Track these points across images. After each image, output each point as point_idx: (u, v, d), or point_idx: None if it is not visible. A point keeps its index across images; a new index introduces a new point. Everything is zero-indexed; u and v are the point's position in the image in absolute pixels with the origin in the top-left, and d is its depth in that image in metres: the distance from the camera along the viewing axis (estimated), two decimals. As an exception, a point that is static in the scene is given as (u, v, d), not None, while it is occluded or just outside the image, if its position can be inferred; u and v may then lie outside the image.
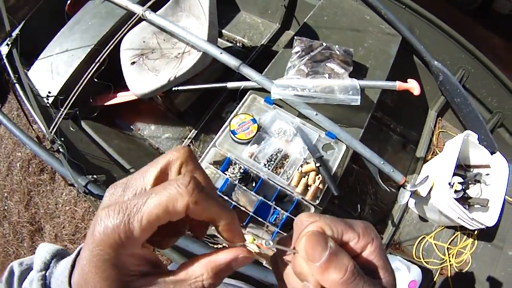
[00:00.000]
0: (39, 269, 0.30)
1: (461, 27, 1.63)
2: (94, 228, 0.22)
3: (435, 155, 1.73)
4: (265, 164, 1.06)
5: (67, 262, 0.28)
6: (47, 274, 0.29)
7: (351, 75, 1.24)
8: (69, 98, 1.25)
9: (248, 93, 1.22)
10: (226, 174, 1.04)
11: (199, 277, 0.24)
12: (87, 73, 1.32)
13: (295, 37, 1.31)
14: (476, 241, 1.54)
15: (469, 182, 1.52)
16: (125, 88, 1.43)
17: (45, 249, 0.31)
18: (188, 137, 1.66)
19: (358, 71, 1.37)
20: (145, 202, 0.22)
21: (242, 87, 1.24)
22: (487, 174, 1.48)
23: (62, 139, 1.11)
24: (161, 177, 0.25)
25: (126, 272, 0.23)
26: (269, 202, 1.02)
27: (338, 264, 0.22)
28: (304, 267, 0.23)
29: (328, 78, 1.19)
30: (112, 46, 1.36)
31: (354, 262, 0.22)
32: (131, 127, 1.70)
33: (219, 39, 1.91)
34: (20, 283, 0.30)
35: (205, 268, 0.25)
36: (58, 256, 0.31)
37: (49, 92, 1.42)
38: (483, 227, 1.32)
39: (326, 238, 0.23)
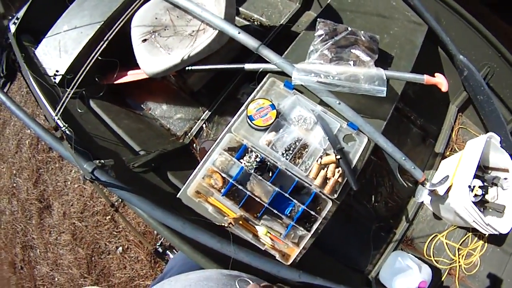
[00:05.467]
0: None
1: (481, 19, 1.53)
2: None
3: (454, 152, 1.67)
4: (283, 154, 1.01)
5: None
6: None
7: (375, 64, 1.17)
8: (77, 78, 1.20)
9: (267, 76, 1.15)
10: (241, 162, 1.00)
11: None
12: (96, 51, 1.27)
13: (318, 19, 1.22)
14: (486, 244, 1.52)
15: (488, 186, 1.47)
16: (136, 66, 1.37)
17: None
18: (201, 118, 1.60)
19: (383, 59, 1.30)
20: None
21: (261, 69, 1.17)
22: (505, 179, 1.43)
23: (67, 124, 1.06)
24: None
25: None
26: (286, 194, 0.97)
27: None
28: None
29: (353, 65, 1.12)
30: (122, 23, 1.30)
31: None
32: (142, 106, 1.65)
33: (236, 17, 1.82)
34: None
35: None
36: None
37: (57, 71, 1.37)
38: (496, 233, 1.29)
39: None
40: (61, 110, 1.10)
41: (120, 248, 1.91)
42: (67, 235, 2.00)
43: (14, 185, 2.20)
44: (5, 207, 2.21)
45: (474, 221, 1.29)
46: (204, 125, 1.59)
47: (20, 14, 1.41)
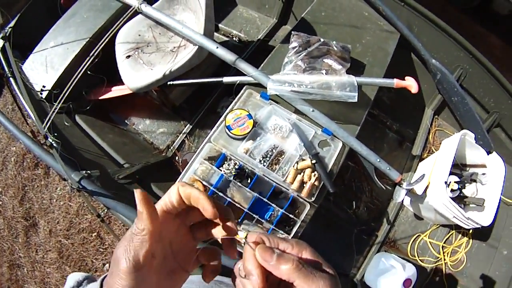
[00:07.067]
0: (72, 285, 0.36)
1: (459, 25, 1.61)
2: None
3: (431, 154, 1.72)
4: (260, 160, 1.05)
5: (98, 281, 0.34)
6: None
7: (348, 72, 1.23)
8: (63, 93, 1.23)
9: (244, 88, 1.20)
10: (221, 170, 1.03)
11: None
12: (81, 67, 1.30)
13: (292, 32, 1.29)
14: (471, 240, 1.55)
15: (465, 182, 1.52)
16: (120, 81, 1.41)
17: (77, 274, 0.39)
18: (183, 132, 1.64)
19: (356, 67, 1.36)
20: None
21: (238, 82, 1.22)
22: (483, 174, 1.48)
23: (55, 134, 1.10)
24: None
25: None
26: (264, 199, 1.01)
27: (285, 259, 0.30)
28: (249, 266, 0.31)
29: (325, 74, 1.18)
30: (107, 40, 1.34)
31: (297, 258, 0.30)
32: (126, 121, 1.68)
33: (215, 34, 1.89)
34: None
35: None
36: (89, 279, 0.38)
37: (44, 86, 1.40)
38: (478, 226, 1.32)
39: (272, 248, 0.32)
40: (48, 123, 1.12)
41: (107, 265, 1.88)
42: (53, 253, 1.97)
43: (0, 203, 2.17)
44: (-10, 227, 2.16)
45: (454, 216, 1.31)
46: (185, 139, 1.62)
47: (7, 29, 1.43)
